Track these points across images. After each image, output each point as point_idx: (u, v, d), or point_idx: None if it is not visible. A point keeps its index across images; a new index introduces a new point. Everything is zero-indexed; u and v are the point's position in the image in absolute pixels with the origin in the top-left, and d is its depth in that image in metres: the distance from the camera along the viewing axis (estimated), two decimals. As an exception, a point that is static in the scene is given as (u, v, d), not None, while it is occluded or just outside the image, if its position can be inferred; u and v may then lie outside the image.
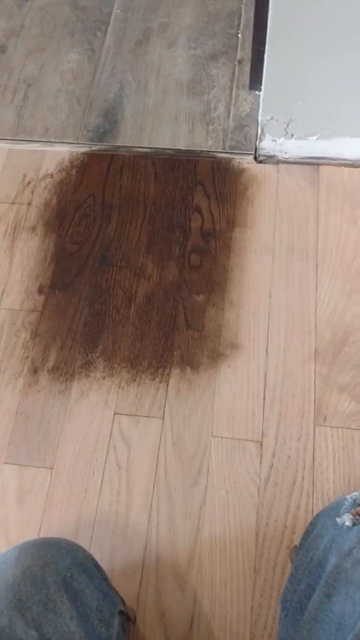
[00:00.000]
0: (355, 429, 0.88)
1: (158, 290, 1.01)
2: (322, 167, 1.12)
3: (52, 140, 1.19)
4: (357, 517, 0.62)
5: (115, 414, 0.92)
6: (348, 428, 0.88)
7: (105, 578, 0.65)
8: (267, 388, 0.92)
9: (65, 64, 1.30)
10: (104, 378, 0.95)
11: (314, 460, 0.86)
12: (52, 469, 0.88)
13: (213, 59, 1.27)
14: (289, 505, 0.84)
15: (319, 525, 0.67)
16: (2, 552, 0.64)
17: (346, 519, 0.62)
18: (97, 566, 0.65)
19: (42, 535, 0.84)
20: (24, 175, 1.16)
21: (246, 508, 0.84)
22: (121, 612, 0.64)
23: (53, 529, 0.84)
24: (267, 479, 0.85)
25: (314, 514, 0.83)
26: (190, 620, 0.78)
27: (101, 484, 0.87)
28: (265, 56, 0.95)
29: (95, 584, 0.63)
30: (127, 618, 0.68)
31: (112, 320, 0.99)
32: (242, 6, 1.33)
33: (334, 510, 0.66)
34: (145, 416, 0.91)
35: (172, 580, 0.80)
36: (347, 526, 0.61)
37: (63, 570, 0.60)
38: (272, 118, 1.04)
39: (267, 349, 0.95)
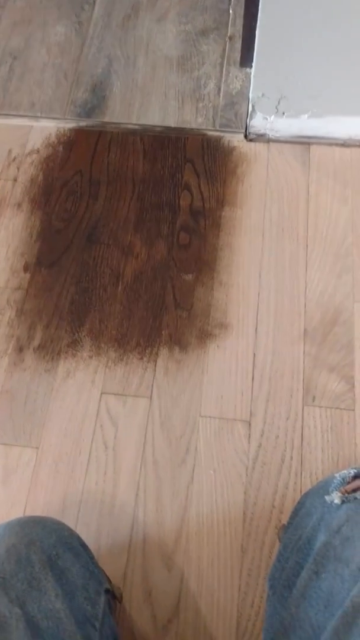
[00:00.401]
0: (344, 409, 0.87)
1: (146, 268, 1.00)
2: (313, 146, 1.10)
3: (39, 115, 1.17)
4: (346, 495, 0.61)
5: (102, 393, 0.90)
6: (337, 408, 0.87)
7: (91, 557, 0.64)
8: (255, 368, 0.91)
9: (52, 37, 1.27)
10: (90, 357, 0.93)
11: (302, 439, 0.86)
12: (37, 448, 0.87)
13: (203, 35, 1.24)
14: (277, 484, 0.83)
15: (307, 504, 0.66)
16: (-14, 531, 0.62)
17: (335, 497, 0.61)
18: (83, 545, 0.65)
19: (27, 515, 0.82)
20: (9, 151, 1.13)
21: (234, 487, 0.83)
22: (107, 591, 0.63)
23: (39, 509, 0.83)
24: (255, 458, 0.85)
25: (302, 493, 0.82)
26: (177, 599, 0.77)
27: (88, 463, 0.85)
28: (257, 32, 0.93)
29: (81, 562, 0.62)
30: (114, 596, 0.67)
31: (99, 299, 0.97)
32: (234, -19, 1.30)
33: (322, 488, 0.65)
34: (133, 396, 0.90)
35: (159, 559, 0.79)
36: (336, 504, 0.60)
37: (48, 549, 0.59)
38: (263, 95, 1.02)
39: (256, 328, 0.94)
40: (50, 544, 0.60)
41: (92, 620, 0.57)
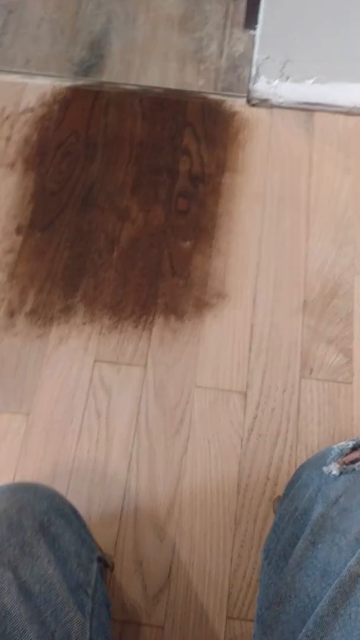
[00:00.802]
0: (341, 382, 0.86)
1: (143, 234, 0.97)
2: (316, 114, 1.07)
3: (34, 72, 1.12)
4: (344, 466, 0.60)
5: (95, 361, 0.88)
6: (334, 381, 0.86)
7: (83, 524, 0.63)
8: (253, 339, 0.89)
9: (48, -9, 1.21)
10: (84, 324, 0.91)
11: (298, 412, 0.84)
12: (28, 415, 0.85)
13: (207, -6, 1.20)
14: (272, 457, 0.82)
15: (304, 476, 0.65)
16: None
17: (333, 468, 0.60)
18: (74, 512, 0.63)
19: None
20: (3, 109, 1.09)
21: (228, 459, 0.82)
22: (99, 559, 0.62)
23: (28, 476, 0.81)
24: (251, 430, 0.83)
25: (298, 465, 0.81)
26: (168, 570, 0.76)
27: (80, 431, 0.84)
28: (266, -13, 0.89)
29: (74, 529, 0.60)
30: (105, 565, 0.66)
31: (93, 265, 0.95)
32: None
33: (319, 460, 0.64)
34: (127, 364, 0.88)
35: (150, 529, 0.78)
36: (334, 475, 0.59)
37: (40, 515, 0.58)
38: (268, 57, 0.99)
39: (254, 299, 0.92)
40: (42, 510, 0.58)
41: (85, 587, 0.55)
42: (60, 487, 0.80)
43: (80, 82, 1.11)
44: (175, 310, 0.92)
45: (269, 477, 0.81)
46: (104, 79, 1.11)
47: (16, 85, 1.11)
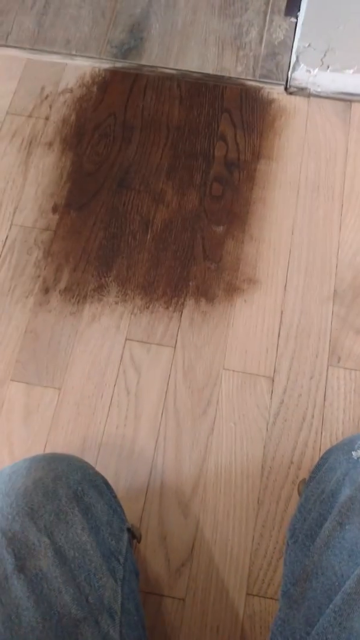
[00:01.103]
0: (368, 371, 0.87)
1: (176, 218, 0.98)
2: (355, 104, 1.07)
3: (74, 53, 1.13)
4: (373, 452, 0.61)
5: (126, 339, 0.90)
6: (361, 370, 0.87)
7: (114, 495, 0.65)
8: (282, 325, 0.90)
9: (90, -28, 1.22)
10: (116, 303, 0.92)
11: (325, 399, 0.86)
12: (59, 389, 0.87)
13: (248, -20, 1.19)
14: (297, 441, 0.83)
15: (331, 459, 0.66)
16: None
17: (362, 454, 0.61)
18: (106, 483, 0.65)
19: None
20: (42, 88, 1.10)
21: (254, 441, 0.83)
22: (128, 529, 0.64)
23: (58, 449, 0.84)
24: (277, 414, 0.85)
25: (322, 452, 0.83)
26: (191, 545, 0.78)
27: (109, 407, 0.86)
28: (311, -26, 0.89)
29: (105, 499, 0.62)
30: (133, 536, 0.68)
31: (127, 246, 0.96)
32: None
33: (347, 445, 0.65)
34: (157, 344, 0.89)
35: (175, 505, 0.80)
36: (363, 460, 0.60)
37: (74, 484, 0.60)
38: (309, 45, 0.99)
39: (285, 286, 0.93)
40: (76, 480, 0.60)
41: (117, 554, 0.57)
42: (88, 460, 0.82)
43: (119, 64, 1.12)
44: (206, 293, 0.93)
45: (292, 461, 0.82)
46: (143, 62, 1.12)
47: (56, 66, 1.12)
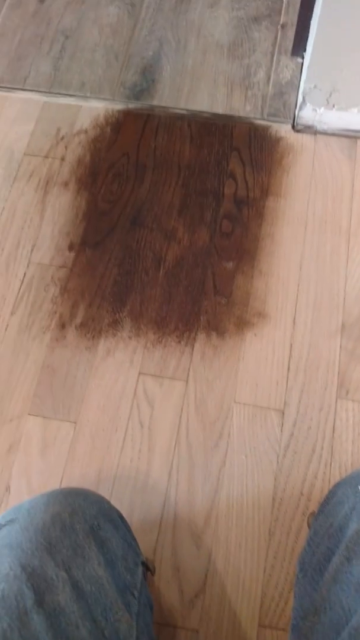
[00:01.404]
0: (376, 404, 0.89)
1: (188, 254, 1.01)
2: (360, 141, 1.10)
3: (88, 95, 1.18)
4: (380, 487, 0.63)
5: (140, 373, 0.93)
6: (370, 403, 0.89)
7: (129, 529, 0.67)
8: (292, 358, 0.93)
9: (104, 17, 1.27)
10: (130, 338, 0.95)
11: (334, 431, 0.87)
12: (75, 423, 0.90)
13: (256, 22, 1.24)
14: (307, 473, 0.85)
15: (339, 493, 0.68)
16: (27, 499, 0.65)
17: (368, 488, 0.63)
18: (121, 517, 0.67)
19: (63, 487, 0.86)
20: (58, 130, 1.15)
21: (264, 473, 0.85)
22: (143, 563, 0.66)
23: (74, 482, 0.86)
24: (287, 447, 0.87)
25: (331, 483, 0.84)
26: (204, 577, 0.80)
27: (123, 440, 0.88)
28: (316, 22, 0.93)
29: (120, 534, 0.64)
30: (147, 569, 0.70)
31: (140, 282, 1.00)
32: (289, -32, 1.29)
33: (354, 479, 0.67)
34: (170, 378, 0.92)
35: (188, 537, 0.82)
36: (370, 495, 0.62)
37: (90, 519, 0.62)
38: (315, 86, 1.02)
39: (294, 319, 0.95)
40: (92, 515, 0.63)
41: (132, 588, 0.59)
42: (104, 493, 0.85)
43: (131, 105, 1.17)
44: (217, 327, 0.96)
45: (303, 492, 0.84)
46: (155, 102, 1.16)
47: (71, 108, 1.17)
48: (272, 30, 1.23)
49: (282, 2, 1.26)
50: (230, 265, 1.00)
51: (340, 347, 0.93)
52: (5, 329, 0.97)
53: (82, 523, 0.61)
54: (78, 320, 0.97)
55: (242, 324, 0.96)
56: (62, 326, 0.96)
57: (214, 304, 0.98)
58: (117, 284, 0.99)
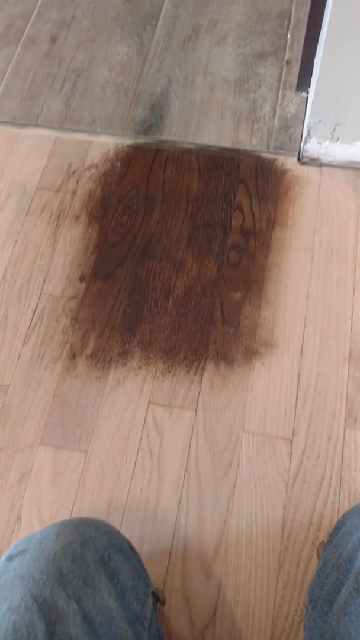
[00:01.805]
0: (385, 433, 0.89)
1: (196, 284, 1.03)
2: (364, 172, 1.12)
3: (99, 130, 1.22)
4: (388, 518, 0.63)
5: (149, 403, 0.94)
6: (378, 432, 0.89)
7: (139, 559, 0.68)
8: (300, 388, 0.93)
9: (114, 56, 1.32)
10: (140, 367, 0.97)
11: (342, 461, 0.88)
12: (86, 452, 0.91)
13: (261, 58, 1.28)
14: (316, 503, 0.85)
15: (348, 523, 0.68)
16: (37, 530, 0.66)
17: (377, 519, 0.63)
18: (131, 547, 0.68)
19: (74, 516, 0.86)
20: (70, 164, 1.18)
21: (274, 503, 0.86)
22: (153, 593, 0.66)
23: (85, 511, 0.87)
24: (296, 476, 0.87)
25: (340, 513, 0.84)
26: (214, 608, 0.80)
27: (133, 470, 0.89)
28: (319, 59, 0.96)
29: (131, 564, 0.65)
30: (157, 599, 0.70)
31: (150, 312, 1.01)
32: (293, 7, 1.34)
33: (363, 510, 0.67)
34: (179, 407, 0.93)
35: (198, 567, 0.82)
36: (378, 526, 0.62)
37: (101, 549, 0.63)
38: (319, 121, 1.05)
39: (301, 349, 0.96)
40: (103, 545, 0.63)
41: (142, 619, 0.60)
42: (114, 523, 0.85)
43: (141, 140, 1.20)
44: (225, 357, 0.97)
45: (312, 522, 0.84)
46: (163, 137, 1.20)
47: (82, 143, 1.21)
48: (277, 66, 1.27)
49: (287, 39, 1.30)
50: (238, 295, 1.02)
51: (348, 375, 0.94)
52: (18, 359, 0.99)
53: (93, 553, 0.62)
54: (88, 350, 0.99)
55: (250, 354, 0.97)
56: (73, 356, 0.98)
57: (222, 333, 0.99)
58: (127, 314, 1.01)
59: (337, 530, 0.70)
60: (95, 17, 1.38)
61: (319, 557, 0.74)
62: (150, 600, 0.63)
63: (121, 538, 0.67)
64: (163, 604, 0.74)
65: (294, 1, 1.34)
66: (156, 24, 1.35)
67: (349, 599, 0.58)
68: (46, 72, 1.31)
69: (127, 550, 0.66)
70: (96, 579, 0.59)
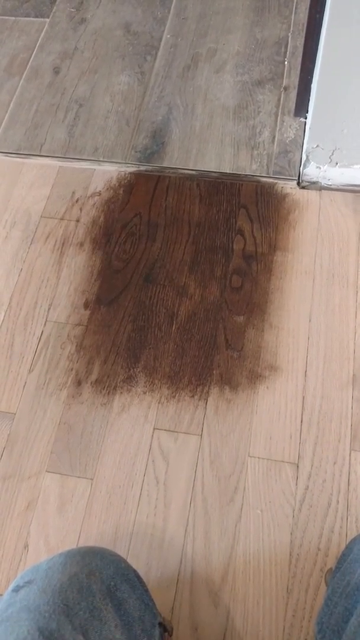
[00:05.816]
0: (391, 455, 0.89)
1: (199, 309, 1.04)
2: (364, 195, 1.14)
3: (101, 159, 1.24)
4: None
5: (154, 429, 0.94)
6: (384, 454, 0.89)
7: (146, 589, 0.67)
8: (304, 411, 0.94)
9: (115, 86, 1.34)
10: (144, 393, 0.97)
11: (349, 484, 0.88)
12: (92, 479, 0.91)
13: (259, 85, 1.30)
14: (323, 528, 0.85)
15: (355, 550, 0.68)
16: (45, 558, 0.66)
17: (384, 545, 0.63)
18: (138, 577, 0.68)
19: (81, 544, 0.86)
20: (73, 193, 1.20)
21: (281, 528, 0.85)
22: (160, 624, 0.66)
23: (92, 539, 0.87)
24: (302, 500, 0.87)
25: (348, 537, 0.84)
26: (222, 636, 0.79)
27: (139, 496, 0.89)
28: (315, 85, 0.98)
29: (137, 594, 0.65)
30: (165, 630, 0.70)
31: (154, 337, 1.02)
32: (289, 34, 1.36)
33: (370, 535, 0.67)
34: (184, 432, 0.93)
35: (206, 595, 0.82)
36: (386, 552, 0.62)
37: (107, 579, 0.62)
38: (317, 146, 1.07)
39: (305, 372, 0.97)
40: (109, 575, 0.63)
41: (149, 651, 0.59)
42: (121, 550, 0.85)
43: (143, 167, 1.22)
44: (229, 381, 0.97)
45: (319, 547, 0.84)
46: (165, 164, 1.21)
47: (85, 171, 1.23)
48: (276, 93, 1.29)
49: (284, 66, 1.32)
50: (241, 319, 1.03)
51: (353, 398, 0.94)
52: (24, 387, 0.99)
53: (99, 584, 0.61)
54: (94, 376, 0.99)
55: (255, 377, 0.97)
56: (78, 383, 0.99)
57: (226, 357, 1.00)
58: (131, 339, 1.02)
59: (345, 557, 0.69)
60: (96, 49, 1.41)
61: (327, 585, 0.73)
62: (157, 631, 0.63)
63: (128, 567, 0.67)
64: (170, 634, 0.73)
65: (291, 29, 1.37)
66: (156, 54, 1.38)
67: (358, 630, 0.58)
68: (49, 103, 1.33)
69: (133, 580, 0.66)
70: (103, 611, 0.59)
